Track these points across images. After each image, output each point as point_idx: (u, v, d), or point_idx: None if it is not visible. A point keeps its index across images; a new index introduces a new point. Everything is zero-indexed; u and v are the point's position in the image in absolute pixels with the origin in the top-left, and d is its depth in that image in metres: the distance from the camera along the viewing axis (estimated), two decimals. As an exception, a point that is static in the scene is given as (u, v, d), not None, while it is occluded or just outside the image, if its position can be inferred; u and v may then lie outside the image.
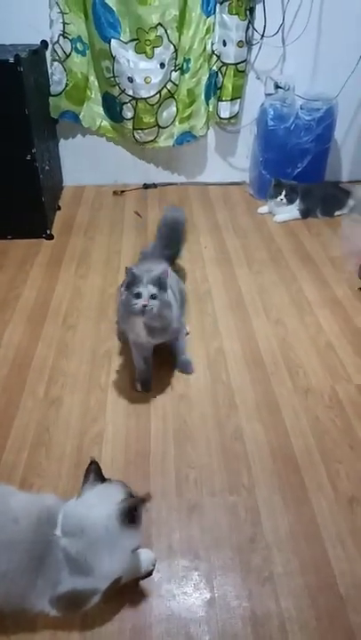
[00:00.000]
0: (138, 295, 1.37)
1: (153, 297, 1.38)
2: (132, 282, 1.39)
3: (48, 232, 2.54)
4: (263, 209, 2.85)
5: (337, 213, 2.82)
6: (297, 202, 2.73)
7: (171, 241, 1.90)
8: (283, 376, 1.72)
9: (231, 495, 1.33)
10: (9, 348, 1.83)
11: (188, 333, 1.86)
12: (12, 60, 2.09)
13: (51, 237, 2.54)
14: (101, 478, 1.04)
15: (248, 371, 1.75)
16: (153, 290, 1.38)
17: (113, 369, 1.75)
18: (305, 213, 2.78)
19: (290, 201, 2.71)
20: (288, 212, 2.76)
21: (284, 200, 2.70)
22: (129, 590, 1.13)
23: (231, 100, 2.81)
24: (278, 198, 2.71)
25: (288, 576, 1.16)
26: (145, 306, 1.36)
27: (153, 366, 1.68)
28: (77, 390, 1.66)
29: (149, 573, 1.16)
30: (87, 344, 1.85)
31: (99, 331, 1.92)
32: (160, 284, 1.40)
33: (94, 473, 1.04)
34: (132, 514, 0.98)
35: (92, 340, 1.87)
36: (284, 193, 2.69)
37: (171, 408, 1.60)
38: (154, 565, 1.17)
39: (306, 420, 1.56)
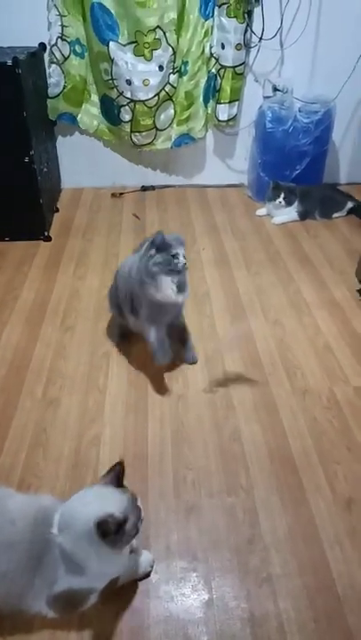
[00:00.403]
0: (176, 256, 1.49)
1: (184, 256, 1.51)
2: (162, 246, 1.49)
3: (46, 234, 2.54)
4: (261, 211, 2.86)
5: (335, 215, 2.83)
6: (295, 204, 2.74)
7: None
8: (281, 377, 1.72)
9: (229, 496, 1.33)
10: (7, 349, 1.83)
11: None
12: (10, 62, 2.10)
13: (49, 239, 2.54)
14: (119, 483, 1.00)
15: (246, 371, 1.75)
16: (183, 251, 1.52)
17: (111, 370, 1.74)
18: (303, 215, 2.78)
19: (288, 203, 2.71)
20: (286, 214, 2.76)
21: (283, 202, 2.71)
22: (127, 591, 1.13)
23: (230, 102, 2.82)
24: (277, 201, 2.71)
25: (286, 577, 1.16)
26: (185, 263, 1.50)
27: (150, 368, 1.67)
28: (75, 391, 1.65)
29: (147, 574, 1.16)
30: (85, 345, 1.85)
31: (97, 332, 1.92)
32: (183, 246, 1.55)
33: (115, 475, 1.00)
34: (106, 532, 0.91)
35: (90, 341, 1.87)
36: (282, 195, 2.69)
37: (168, 409, 1.60)
38: (152, 567, 1.17)
39: (304, 421, 1.56)
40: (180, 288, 1.55)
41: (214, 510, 1.30)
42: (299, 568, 1.17)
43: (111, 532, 0.91)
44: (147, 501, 1.31)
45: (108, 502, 0.96)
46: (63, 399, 1.63)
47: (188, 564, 1.19)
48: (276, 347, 1.86)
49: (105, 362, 1.78)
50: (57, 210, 2.85)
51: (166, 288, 1.52)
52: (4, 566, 0.96)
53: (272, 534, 1.24)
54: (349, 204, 2.83)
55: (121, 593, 1.11)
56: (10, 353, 1.81)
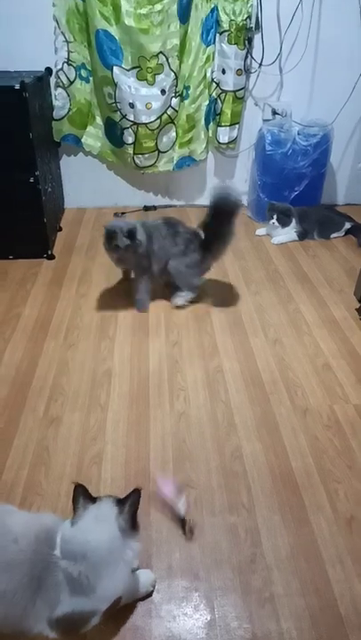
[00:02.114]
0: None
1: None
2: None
3: (49, 252, 2.58)
4: (261, 231, 2.91)
5: (333, 236, 2.87)
6: (293, 224, 2.79)
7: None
8: (282, 396, 1.74)
9: (231, 515, 1.33)
10: (10, 366, 1.84)
11: None
12: (17, 86, 2.16)
13: (52, 257, 2.58)
14: (91, 499, 1.02)
15: (247, 390, 1.76)
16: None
17: (113, 387, 1.76)
18: (302, 235, 2.83)
19: (282, 224, 2.76)
20: (285, 234, 2.81)
21: (277, 223, 2.76)
22: (129, 611, 1.12)
23: (230, 125, 2.89)
24: (270, 222, 2.76)
25: (289, 597, 1.15)
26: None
27: (151, 385, 1.69)
28: (77, 409, 1.66)
29: (149, 594, 1.15)
30: (87, 363, 1.87)
31: (99, 350, 1.94)
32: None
33: (82, 496, 1.02)
34: (133, 521, 0.99)
35: (92, 358, 1.89)
36: (275, 217, 2.74)
37: (170, 427, 1.60)
38: (154, 586, 1.17)
39: (305, 439, 1.57)
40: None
41: (216, 529, 1.30)
42: (301, 588, 1.17)
43: (135, 516, 1.00)
44: (149, 520, 1.31)
45: (106, 513, 0.99)
46: (65, 417, 1.63)
47: (190, 584, 1.18)
48: (276, 365, 1.88)
49: (107, 379, 1.79)
50: (60, 229, 2.89)
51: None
52: (4, 585, 0.95)
53: (274, 553, 1.24)
54: (347, 225, 2.88)
55: (123, 612, 1.11)
56: (12, 370, 1.82)
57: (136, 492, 1.00)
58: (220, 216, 2.05)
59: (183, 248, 2.12)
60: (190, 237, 2.13)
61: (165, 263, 2.12)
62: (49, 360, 1.87)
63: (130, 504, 1.00)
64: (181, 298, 2.20)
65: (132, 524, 1.00)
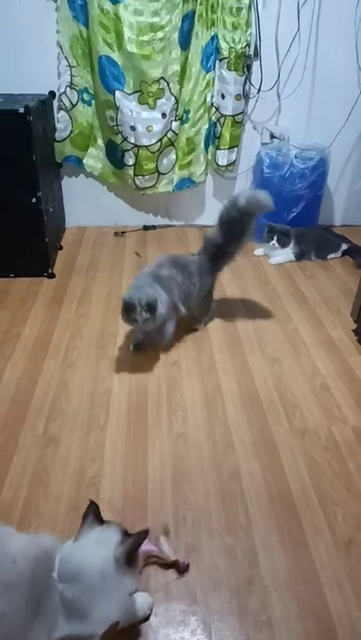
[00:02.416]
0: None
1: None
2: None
3: (50, 271, 2.61)
4: (259, 251, 2.94)
5: (330, 257, 2.91)
6: (291, 245, 2.83)
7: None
8: (279, 416, 1.75)
9: (229, 536, 1.33)
10: (9, 385, 1.85)
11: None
12: (22, 110, 2.21)
13: (52, 276, 2.61)
14: (100, 520, 1.04)
15: (245, 409, 1.77)
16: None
17: (111, 408, 1.76)
18: (299, 256, 2.87)
19: (282, 245, 2.80)
20: (283, 254, 2.85)
21: (277, 244, 2.80)
22: (126, 635, 1.11)
23: (229, 148, 2.95)
24: (271, 243, 2.81)
25: (286, 621, 1.15)
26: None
27: (150, 405, 1.71)
28: (76, 429, 1.67)
29: (147, 618, 1.15)
30: (86, 382, 1.88)
31: (98, 369, 1.95)
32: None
33: (93, 515, 1.04)
34: (129, 557, 0.98)
35: (91, 378, 1.90)
36: (275, 238, 2.79)
37: (168, 447, 1.61)
38: (151, 609, 1.16)
39: (303, 460, 1.57)
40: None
41: (214, 551, 1.30)
42: (299, 611, 1.17)
43: (133, 553, 0.99)
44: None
45: (108, 538, 1.00)
46: (64, 437, 1.64)
47: (187, 607, 1.18)
48: (274, 385, 1.89)
49: (106, 399, 1.80)
50: (61, 247, 2.93)
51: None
52: (3, 606, 0.95)
53: (272, 576, 1.24)
54: (344, 246, 2.92)
55: (120, 636, 1.10)
56: (12, 389, 1.83)
57: (144, 532, 1.01)
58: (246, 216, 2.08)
59: (199, 284, 2.09)
60: (200, 266, 2.12)
61: (189, 304, 2.08)
62: (48, 379, 1.88)
63: (133, 539, 1.00)
64: (203, 322, 2.25)
65: (127, 560, 0.99)
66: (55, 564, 0.98)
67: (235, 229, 2.09)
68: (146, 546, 1.22)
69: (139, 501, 1.42)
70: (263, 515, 1.39)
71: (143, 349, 2.06)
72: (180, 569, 1.24)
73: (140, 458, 1.57)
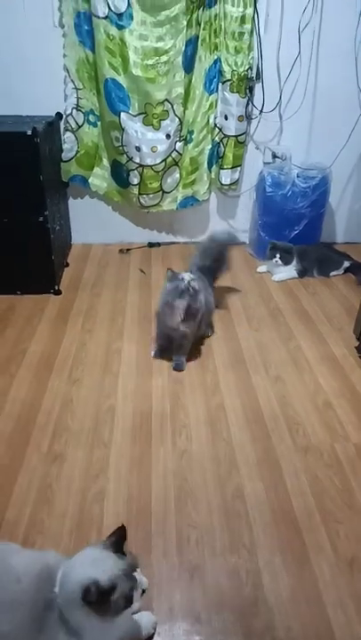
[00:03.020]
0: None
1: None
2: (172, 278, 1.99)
3: (56, 288, 2.64)
4: (262, 268, 2.98)
5: (333, 274, 2.94)
6: (294, 262, 2.86)
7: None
8: (283, 434, 1.76)
9: (232, 556, 1.34)
10: (15, 402, 1.87)
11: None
12: (29, 132, 2.27)
13: (58, 293, 2.64)
14: (118, 548, 1.00)
15: (248, 428, 1.78)
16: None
17: (116, 425, 1.78)
18: (302, 273, 2.89)
19: (285, 262, 2.84)
20: (286, 271, 2.88)
21: (280, 262, 2.83)
22: (130, 655, 1.12)
23: (232, 168, 3.01)
24: (274, 260, 2.84)
25: (290, 642, 1.15)
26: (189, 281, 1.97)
27: (154, 422, 1.73)
28: (80, 446, 1.68)
29: (150, 637, 1.15)
30: (91, 399, 1.90)
31: (103, 386, 1.97)
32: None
33: (116, 540, 1.00)
34: (88, 599, 0.91)
35: (96, 395, 1.92)
36: (278, 255, 2.82)
37: (172, 465, 1.62)
38: (155, 629, 1.17)
39: (306, 478, 1.58)
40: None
41: (217, 570, 1.30)
42: (303, 632, 1.17)
43: (93, 599, 0.90)
44: (150, 560, 1.31)
45: (98, 568, 0.95)
46: (68, 454, 1.65)
47: (191, 627, 1.18)
48: (277, 403, 1.91)
49: (110, 416, 1.82)
50: (67, 265, 2.97)
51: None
52: (6, 626, 0.96)
53: (275, 596, 1.24)
54: (346, 263, 2.95)
55: (124, 656, 1.10)
56: (17, 406, 1.85)
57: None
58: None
59: (212, 295, 2.30)
60: (204, 281, 2.26)
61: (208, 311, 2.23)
62: (54, 396, 1.91)
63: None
64: (210, 330, 2.33)
65: (96, 603, 0.93)
66: (57, 579, 0.99)
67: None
68: None
69: (142, 519, 1.43)
70: (267, 534, 1.40)
71: (164, 357, 2.13)
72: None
73: (143, 476, 1.58)
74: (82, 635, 0.94)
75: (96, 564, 0.97)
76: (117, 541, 1.01)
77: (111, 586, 0.93)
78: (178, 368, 2.08)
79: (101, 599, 0.92)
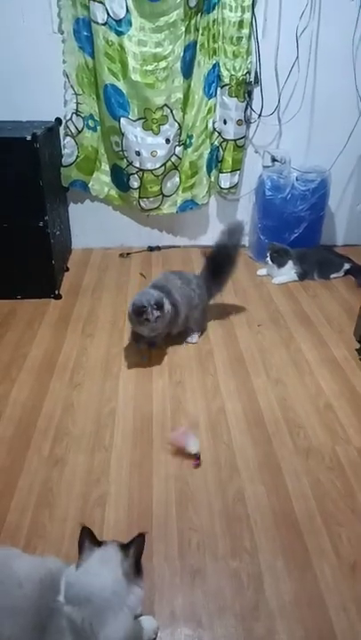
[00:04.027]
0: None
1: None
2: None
3: (56, 292, 2.65)
4: (262, 271, 2.98)
5: (333, 276, 2.94)
6: (290, 264, 2.86)
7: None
8: (284, 437, 1.75)
9: (234, 560, 1.33)
10: (16, 407, 1.87)
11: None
12: (29, 137, 2.28)
13: (59, 297, 2.65)
14: (97, 542, 1.04)
15: (249, 431, 1.78)
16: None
17: (116, 428, 1.78)
18: (302, 276, 2.90)
19: (278, 265, 2.85)
20: (285, 274, 2.88)
21: (270, 262, 2.85)
22: (131, 660, 1.11)
23: (231, 171, 3.02)
24: (265, 260, 2.86)
25: (292, 646, 1.14)
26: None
27: (155, 425, 1.74)
28: (81, 450, 1.68)
29: (152, 642, 1.15)
30: (92, 403, 1.90)
31: (104, 389, 1.97)
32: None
33: (88, 539, 1.03)
34: (137, 567, 1.01)
35: (96, 398, 1.92)
36: (269, 255, 2.84)
37: (173, 469, 1.62)
38: (156, 633, 1.16)
39: (307, 481, 1.58)
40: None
41: (219, 574, 1.30)
42: (305, 636, 1.16)
43: (139, 561, 1.02)
44: (151, 564, 1.31)
45: (111, 556, 1.01)
46: (70, 457, 1.65)
47: (192, 632, 1.18)
48: (278, 405, 1.90)
49: (111, 420, 1.82)
50: (67, 269, 2.97)
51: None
52: (8, 631, 0.96)
53: (277, 600, 1.24)
54: (346, 266, 2.95)
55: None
56: (18, 410, 1.85)
57: (140, 537, 1.02)
58: (228, 251, 2.34)
59: (198, 291, 2.26)
60: (198, 279, 2.31)
61: (186, 314, 2.20)
62: (54, 400, 1.91)
63: (134, 549, 1.01)
64: (195, 336, 2.30)
65: (136, 569, 1.01)
66: (60, 587, 0.99)
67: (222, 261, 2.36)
68: (176, 435, 1.67)
69: (143, 523, 1.43)
70: (268, 538, 1.39)
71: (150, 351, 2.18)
72: (195, 463, 1.60)
73: (144, 479, 1.58)
74: (97, 636, 0.94)
75: (110, 559, 1.00)
76: (93, 538, 1.03)
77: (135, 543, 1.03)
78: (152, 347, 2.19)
79: (139, 565, 1.02)
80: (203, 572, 1.30)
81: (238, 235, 2.38)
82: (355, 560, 1.33)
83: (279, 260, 2.84)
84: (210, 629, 1.18)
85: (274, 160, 3.00)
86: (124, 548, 1.03)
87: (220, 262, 2.35)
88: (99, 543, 1.04)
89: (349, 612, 1.21)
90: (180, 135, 2.86)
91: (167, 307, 2.02)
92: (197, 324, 2.30)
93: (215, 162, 3.02)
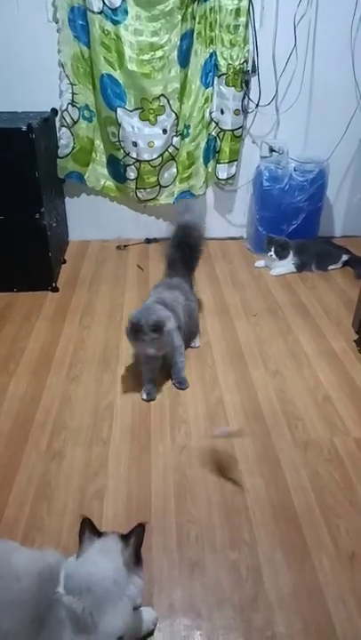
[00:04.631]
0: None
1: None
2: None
3: (53, 285, 2.63)
4: (260, 263, 2.97)
5: (331, 268, 2.93)
6: (290, 256, 2.85)
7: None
8: (282, 429, 1.75)
9: (232, 552, 1.34)
10: (13, 400, 1.86)
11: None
12: (24, 128, 2.25)
13: (56, 290, 2.63)
14: (97, 533, 1.04)
15: (248, 423, 1.78)
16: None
17: (115, 422, 1.78)
18: (300, 267, 2.88)
19: (280, 257, 2.83)
20: (284, 265, 2.87)
21: (274, 256, 2.82)
22: (130, 652, 1.11)
23: (229, 162, 2.99)
24: (269, 254, 2.84)
25: (291, 637, 1.15)
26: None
27: (153, 418, 1.72)
28: (79, 444, 1.68)
29: (151, 633, 1.15)
30: (90, 396, 1.89)
31: (101, 383, 1.96)
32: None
33: (89, 529, 1.04)
34: (137, 557, 1.01)
35: (94, 392, 1.91)
36: (273, 249, 2.82)
37: (171, 461, 1.62)
38: (155, 624, 1.17)
39: (306, 473, 1.58)
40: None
41: (218, 566, 1.30)
42: (304, 627, 1.17)
43: (139, 550, 1.03)
44: (150, 557, 1.31)
45: (111, 547, 1.01)
46: (68, 451, 1.65)
47: (191, 622, 1.18)
48: (276, 398, 1.90)
49: (109, 413, 1.81)
50: (64, 261, 2.96)
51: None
52: (7, 625, 0.95)
53: (276, 591, 1.24)
54: (344, 257, 2.94)
55: (124, 653, 1.10)
56: (16, 404, 1.85)
57: (140, 527, 1.02)
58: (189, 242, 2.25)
59: (195, 299, 2.23)
60: (188, 286, 2.22)
61: (189, 328, 2.11)
62: (52, 394, 1.90)
63: (134, 538, 1.01)
64: (197, 340, 2.22)
65: (135, 559, 1.01)
66: (59, 578, 0.99)
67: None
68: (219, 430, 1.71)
69: (142, 516, 1.43)
70: (267, 530, 1.40)
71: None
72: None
73: (142, 472, 1.58)
74: (97, 626, 0.94)
75: (109, 549, 1.00)
76: (94, 529, 1.03)
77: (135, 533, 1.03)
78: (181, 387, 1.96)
79: (139, 555, 1.02)
80: (201, 564, 1.30)
81: (189, 216, 2.32)
82: (353, 552, 1.34)
83: (282, 254, 2.82)
84: (209, 620, 1.18)
85: (272, 150, 2.98)
86: (124, 537, 1.03)
87: (188, 253, 2.25)
88: (99, 534, 1.05)
89: (348, 603, 1.22)
90: (177, 125, 2.83)
91: (170, 326, 1.83)
92: (197, 327, 2.23)
93: (213, 152, 2.99)
